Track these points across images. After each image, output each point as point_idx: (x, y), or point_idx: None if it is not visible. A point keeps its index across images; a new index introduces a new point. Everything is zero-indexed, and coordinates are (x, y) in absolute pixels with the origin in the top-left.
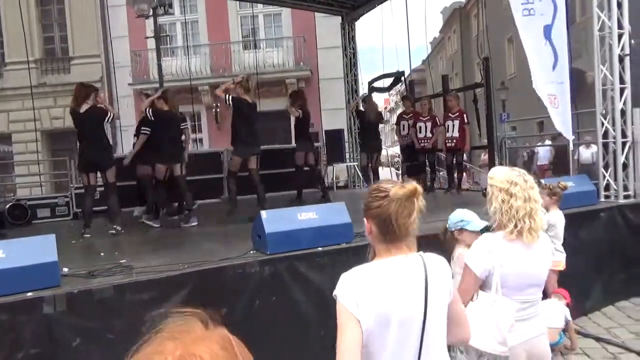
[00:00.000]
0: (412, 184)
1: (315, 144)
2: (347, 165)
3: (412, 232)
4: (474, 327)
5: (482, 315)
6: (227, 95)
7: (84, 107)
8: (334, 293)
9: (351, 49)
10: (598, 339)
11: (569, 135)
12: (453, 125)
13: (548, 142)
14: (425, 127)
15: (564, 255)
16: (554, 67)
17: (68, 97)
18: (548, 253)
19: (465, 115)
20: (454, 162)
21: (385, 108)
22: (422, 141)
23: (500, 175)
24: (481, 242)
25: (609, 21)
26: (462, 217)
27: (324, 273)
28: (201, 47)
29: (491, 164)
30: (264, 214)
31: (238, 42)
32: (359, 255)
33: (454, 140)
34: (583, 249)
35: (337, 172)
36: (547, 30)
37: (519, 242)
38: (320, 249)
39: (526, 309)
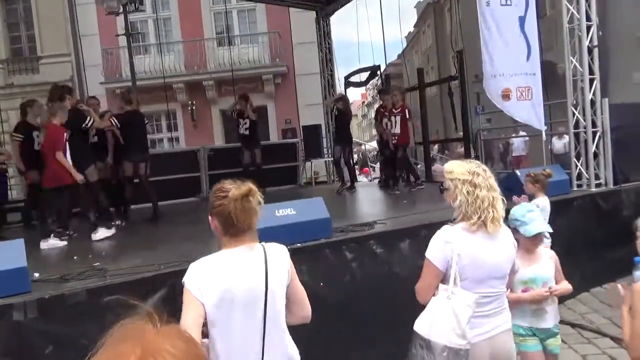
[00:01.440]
0: (248, 185)
1: (294, 140)
2: (325, 161)
3: (252, 226)
4: (433, 320)
5: (440, 308)
6: (111, 119)
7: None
8: (183, 280)
9: (326, 44)
10: (573, 325)
11: (541, 126)
12: (395, 121)
13: (523, 133)
14: (395, 122)
15: (549, 240)
16: (527, 59)
17: (37, 98)
18: (510, 244)
19: (407, 111)
20: (397, 157)
21: (363, 102)
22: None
23: (459, 168)
24: (439, 233)
25: (577, 14)
26: (520, 216)
27: (304, 269)
28: (174, 44)
29: (467, 156)
30: None
31: (212, 39)
32: (339, 250)
33: (396, 137)
34: (558, 237)
35: (315, 168)
36: (521, 22)
37: (479, 233)
38: (299, 245)
39: (489, 303)
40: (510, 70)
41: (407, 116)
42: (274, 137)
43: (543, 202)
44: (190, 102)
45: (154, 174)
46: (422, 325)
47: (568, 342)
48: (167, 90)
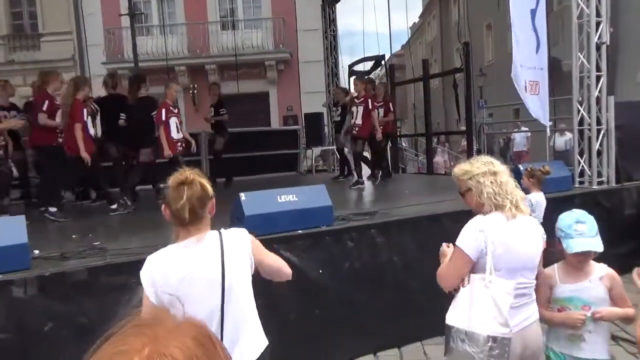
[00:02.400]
0: (185, 173)
1: (295, 127)
2: (325, 149)
3: (199, 217)
4: (471, 311)
5: (479, 298)
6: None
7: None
8: (140, 272)
9: (331, 32)
10: None
11: (546, 121)
12: (357, 112)
13: (524, 128)
14: (357, 112)
15: (545, 236)
16: (536, 52)
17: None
18: (539, 236)
19: (369, 101)
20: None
21: None
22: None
23: (473, 165)
24: (472, 222)
25: (587, 9)
26: (565, 227)
27: (304, 256)
28: (178, 26)
29: (469, 150)
30: (242, 195)
31: (216, 22)
32: (340, 237)
33: (357, 128)
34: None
35: (316, 156)
36: (532, 15)
37: (511, 223)
38: (300, 231)
39: (521, 295)
40: (525, 63)
41: (370, 107)
42: (275, 123)
43: (537, 197)
44: (191, 86)
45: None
46: (459, 318)
47: None
48: (169, 73)
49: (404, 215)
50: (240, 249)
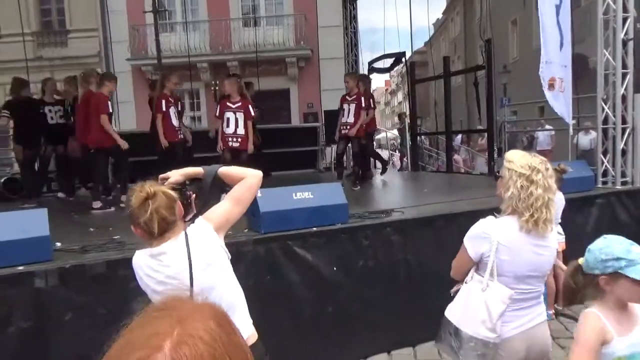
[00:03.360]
0: (145, 188)
1: (315, 124)
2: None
3: (170, 223)
4: (464, 310)
5: (473, 299)
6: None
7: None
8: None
9: (352, 29)
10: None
11: (569, 120)
12: (349, 110)
13: (548, 126)
14: (349, 110)
15: (564, 236)
16: (560, 49)
17: (65, 71)
18: (555, 247)
19: (363, 99)
20: (348, 150)
21: (387, 90)
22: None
23: (521, 160)
24: (481, 223)
25: (614, 4)
26: (623, 252)
27: (318, 253)
28: (200, 23)
29: (490, 148)
30: (258, 192)
31: (238, 19)
32: (354, 235)
33: (348, 126)
34: (579, 235)
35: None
36: (557, 11)
37: (526, 231)
38: (315, 229)
39: (526, 300)
40: (555, 59)
41: (363, 105)
42: (295, 120)
43: (559, 198)
44: (213, 82)
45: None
46: (453, 313)
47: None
48: (191, 70)
49: (420, 214)
50: (206, 240)
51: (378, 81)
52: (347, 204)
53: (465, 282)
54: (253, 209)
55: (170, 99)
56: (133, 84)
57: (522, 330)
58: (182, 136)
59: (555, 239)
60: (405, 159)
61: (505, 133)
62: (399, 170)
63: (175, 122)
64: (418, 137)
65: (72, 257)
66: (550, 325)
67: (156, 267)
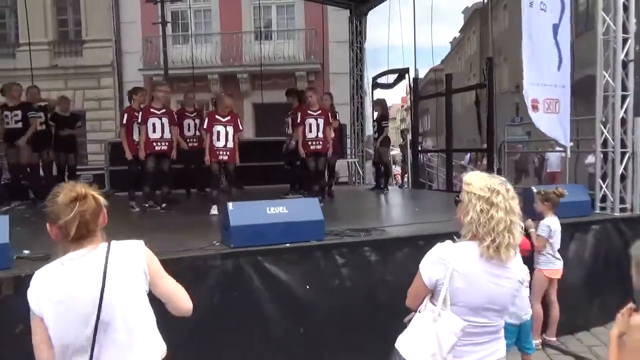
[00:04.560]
0: (78, 189)
1: None
2: (347, 162)
3: (91, 229)
4: (415, 341)
5: (424, 330)
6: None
7: None
8: (28, 291)
9: (358, 43)
10: (577, 357)
11: (566, 142)
12: (317, 125)
13: (559, 148)
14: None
15: (561, 262)
16: (558, 69)
17: (79, 80)
18: (517, 279)
19: (329, 115)
20: (317, 168)
21: (402, 107)
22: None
23: (480, 182)
24: (437, 248)
25: (614, 25)
26: None
27: (291, 270)
28: (213, 35)
29: (489, 169)
30: (230, 205)
31: (250, 32)
32: (330, 253)
33: (320, 142)
34: (575, 263)
35: (337, 168)
36: (555, 30)
37: (486, 258)
38: (288, 245)
39: (480, 334)
40: (541, 80)
41: (330, 120)
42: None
43: (554, 224)
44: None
45: (181, 163)
46: (404, 344)
47: None
48: (201, 81)
49: (400, 234)
50: (131, 263)
51: (394, 98)
52: (322, 220)
53: (419, 311)
54: (225, 222)
55: (153, 110)
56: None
57: None
58: (159, 148)
59: (520, 269)
60: (406, 176)
61: (505, 153)
62: (399, 187)
63: (151, 134)
64: (419, 155)
65: (33, 266)
66: (534, 356)
67: (60, 281)
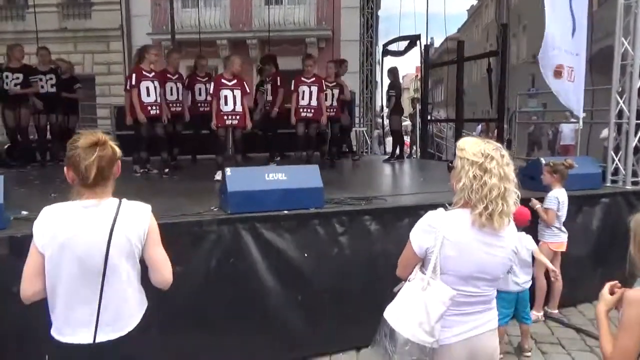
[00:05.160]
0: (97, 135)
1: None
2: (356, 130)
3: (107, 178)
4: (402, 310)
5: (412, 299)
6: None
7: None
8: (35, 222)
9: (369, 9)
10: (578, 330)
11: (579, 112)
12: (310, 92)
13: (574, 120)
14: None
15: (566, 235)
16: (572, 37)
17: (88, 43)
18: (510, 248)
19: (323, 82)
20: (307, 134)
21: (416, 76)
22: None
23: (473, 147)
24: (428, 216)
25: None
26: None
27: (288, 237)
28: None
29: (499, 139)
30: (228, 171)
31: None
32: (329, 221)
33: (311, 110)
34: (579, 235)
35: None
36: None
37: (479, 226)
38: (286, 212)
39: (471, 304)
40: (564, 46)
41: (324, 88)
42: None
43: (562, 196)
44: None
45: (191, 128)
46: (392, 313)
47: (568, 348)
48: (210, 46)
49: (401, 204)
50: (136, 223)
51: (408, 67)
52: (322, 187)
53: (409, 280)
54: (222, 188)
55: (144, 72)
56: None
57: (464, 339)
58: (154, 112)
59: (514, 238)
60: (414, 146)
61: (515, 124)
62: (407, 157)
63: (145, 97)
64: (428, 125)
65: (30, 227)
66: (535, 328)
67: (70, 222)
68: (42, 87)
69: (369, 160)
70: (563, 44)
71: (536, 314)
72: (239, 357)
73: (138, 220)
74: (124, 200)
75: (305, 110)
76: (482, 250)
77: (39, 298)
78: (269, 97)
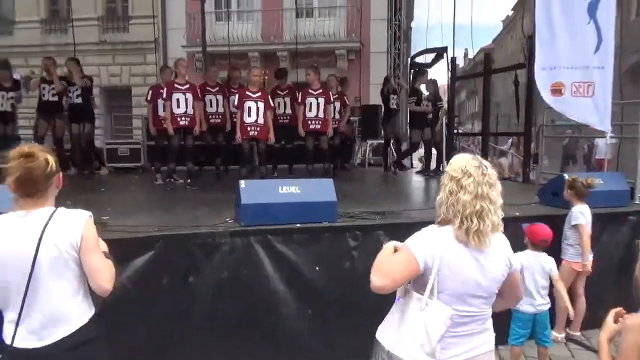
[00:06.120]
0: (29, 148)
1: (352, 119)
2: (380, 142)
3: (40, 189)
4: (399, 332)
5: (410, 321)
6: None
7: None
8: None
9: (396, 21)
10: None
11: (603, 126)
12: (318, 104)
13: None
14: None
15: (591, 255)
16: (596, 50)
17: (125, 56)
18: (501, 261)
19: (330, 94)
20: (319, 147)
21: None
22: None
23: (457, 163)
24: (428, 231)
25: None
26: None
27: (300, 250)
28: (254, 12)
29: (526, 154)
30: (242, 183)
31: (291, 10)
32: (341, 235)
33: (319, 122)
34: (604, 255)
35: (371, 149)
36: (592, 8)
37: (462, 243)
38: (298, 225)
39: (467, 323)
40: (566, 63)
41: (331, 100)
42: None
43: (586, 212)
44: (262, 72)
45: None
46: (386, 335)
47: None
48: (242, 59)
49: (415, 219)
50: (67, 231)
51: (442, 78)
52: (336, 201)
53: (397, 300)
54: (237, 200)
55: (177, 85)
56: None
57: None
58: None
59: (504, 250)
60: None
61: (542, 137)
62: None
63: (176, 109)
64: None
65: None
66: (555, 350)
67: (2, 233)
68: (70, 97)
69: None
70: (572, 60)
71: (557, 335)
72: None
73: (70, 228)
74: (60, 208)
75: (313, 122)
76: (473, 266)
77: None
78: (288, 110)
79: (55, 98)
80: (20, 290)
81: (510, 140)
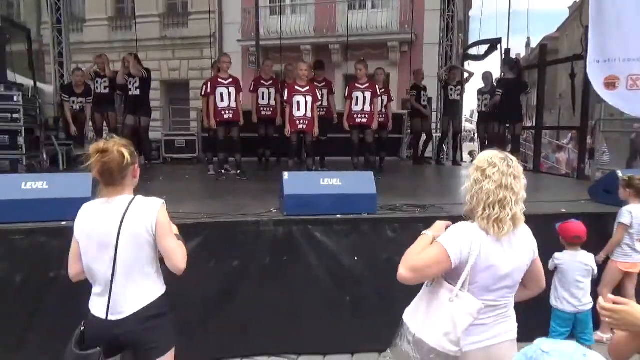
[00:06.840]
0: (107, 143)
1: (401, 112)
2: (434, 137)
3: (119, 179)
4: (426, 318)
5: (438, 309)
6: None
7: None
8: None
9: (449, 12)
10: None
11: None
12: (364, 98)
13: None
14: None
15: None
16: None
17: (185, 50)
18: (527, 250)
19: (377, 88)
20: (364, 141)
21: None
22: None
23: (484, 155)
24: (463, 228)
25: None
26: None
27: (339, 240)
28: (307, 6)
29: (582, 148)
30: (286, 175)
31: (344, 2)
32: (381, 226)
33: (366, 115)
34: None
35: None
36: None
37: (494, 235)
38: (339, 216)
39: (492, 311)
40: (621, 55)
41: (378, 94)
42: (395, 107)
43: (637, 211)
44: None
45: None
46: (413, 319)
47: None
48: (294, 52)
49: (456, 213)
50: (143, 217)
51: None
52: (375, 194)
53: (426, 285)
54: (281, 191)
55: (220, 79)
56: (241, 65)
57: (483, 347)
58: (228, 117)
59: (527, 245)
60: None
61: (600, 132)
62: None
63: (219, 102)
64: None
65: None
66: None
67: (89, 218)
68: (130, 90)
69: (448, 166)
70: (627, 52)
71: (601, 335)
72: (287, 348)
73: (146, 214)
74: (138, 196)
75: (359, 116)
76: (502, 257)
77: (82, 278)
78: (324, 103)
79: (107, 91)
80: (105, 268)
81: (570, 134)
